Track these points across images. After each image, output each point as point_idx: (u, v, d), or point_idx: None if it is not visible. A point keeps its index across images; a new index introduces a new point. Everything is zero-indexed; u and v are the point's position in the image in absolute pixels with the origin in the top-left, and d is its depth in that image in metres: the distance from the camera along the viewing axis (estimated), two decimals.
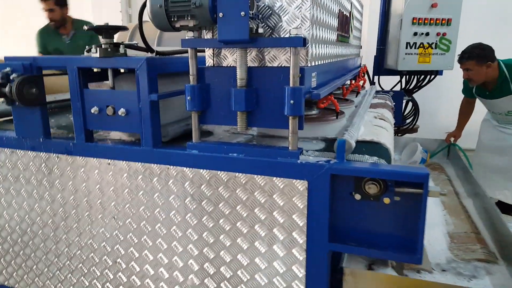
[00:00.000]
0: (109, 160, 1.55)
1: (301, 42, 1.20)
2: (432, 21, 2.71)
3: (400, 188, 1.21)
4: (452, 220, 2.06)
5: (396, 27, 2.83)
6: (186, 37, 1.33)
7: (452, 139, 3.24)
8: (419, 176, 1.17)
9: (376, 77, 3.21)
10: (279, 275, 1.38)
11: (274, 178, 1.31)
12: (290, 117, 1.27)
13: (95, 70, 1.49)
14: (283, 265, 1.37)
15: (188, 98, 1.36)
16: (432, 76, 3.07)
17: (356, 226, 1.32)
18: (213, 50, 1.39)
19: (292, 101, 1.24)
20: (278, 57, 1.31)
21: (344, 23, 1.94)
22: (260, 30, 1.26)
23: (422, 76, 3.10)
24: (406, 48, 2.78)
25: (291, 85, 1.24)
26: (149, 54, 1.57)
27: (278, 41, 1.25)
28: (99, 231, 1.64)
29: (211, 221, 1.44)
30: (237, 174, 1.36)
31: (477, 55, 2.92)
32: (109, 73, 1.52)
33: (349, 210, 1.31)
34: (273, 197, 1.33)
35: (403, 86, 3.23)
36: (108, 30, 1.44)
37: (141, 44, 1.62)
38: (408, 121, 3.29)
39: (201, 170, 1.41)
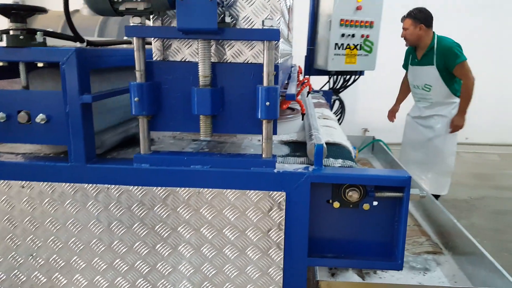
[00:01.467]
0: (23, 182, 1.23)
1: (277, 35, 1.08)
2: (357, 23, 2.85)
3: (380, 193, 1.18)
4: None
5: (325, 28, 2.91)
6: (132, 24, 1.11)
7: (394, 119, 3.50)
8: (401, 180, 1.15)
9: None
10: None
11: (247, 192, 1.17)
12: (264, 121, 1.14)
13: (0, 64, 1.17)
14: None
15: (135, 99, 1.14)
16: (357, 76, 3.24)
17: (334, 236, 1.25)
18: (162, 41, 1.19)
19: (267, 103, 1.11)
20: (244, 52, 1.17)
21: (289, 20, 1.88)
22: (227, 19, 1.11)
23: (348, 76, 3.26)
24: (335, 49, 2.87)
25: (265, 84, 1.12)
26: (78, 45, 1.29)
27: (251, 33, 1.11)
28: (9, 275, 1.30)
29: (168, 248, 1.23)
30: (201, 189, 1.18)
31: (414, 16, 3.23)
32: (21, 68, 1.20)
33: (327, 220, 1.24)
34: (246, 213, 1.19)
35: (330, 86, 3.35)
36: (19, 12, 1.13)
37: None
38: None
39: (155, 188, 1.19)
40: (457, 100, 3.29)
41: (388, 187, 1.18)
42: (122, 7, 1.06)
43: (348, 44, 2.89)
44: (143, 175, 1.19)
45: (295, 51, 2.94)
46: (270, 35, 1.08)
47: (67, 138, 1.18)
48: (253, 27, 1.15)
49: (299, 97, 1.95)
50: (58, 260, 1.27)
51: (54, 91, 1.17)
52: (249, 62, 1.17)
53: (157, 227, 1.22)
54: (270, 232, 1.19)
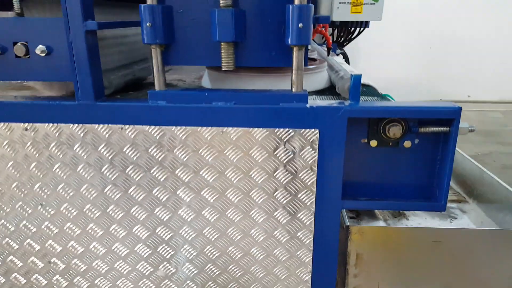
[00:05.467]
0: (26, 124, 1.00)
1: None
2: None
3: (425, 128, 0.97)
4: None
5: None
6: None
7: None
8: (450, 112, 0.93)
9: None
10: (281, 245, 1.06)
11: (276, 130, 0.95)
12: (295, 48, 0.91)
13: None
14: (286, 233, 1.05)
15: (148, 24, 0.89)
16: (362, 28, 2.94)
17: (369, 178, 1.05)
18: None
19: (300, 24, 0.88)
20: None
21: None
22: None
23: (352, 29, 2.95)
24: None
25: (296, 2, 0.87)
26: None
27: None
28: (19, 225, 1.10)
29: (190, 193, 1.03)
30: (225, 129, 0.97)
31: None
32: None
33: (362, 161, 1.03)
34: (275, 153, 0.98)
35: (334, 39, 3.05)
36: None
37: None
38: None
39: (174, 128, 0.97)
40: None
41: (433, 121, 0.97)
42: None
43: None
44: (160, 113, 0.97)
45: None
46: None
47: (73, 72, 0.95)
48: None
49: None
50: (71, 209, 1.07)
51: (54, 18, 0.92)
52: None
53: (178, 170, 1.01)
54: (301, 174, 0.99)
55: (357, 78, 0.95)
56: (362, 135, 1.00)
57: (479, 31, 5.11)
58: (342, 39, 3.02)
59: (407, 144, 0.98)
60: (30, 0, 1.01)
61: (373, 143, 0.99)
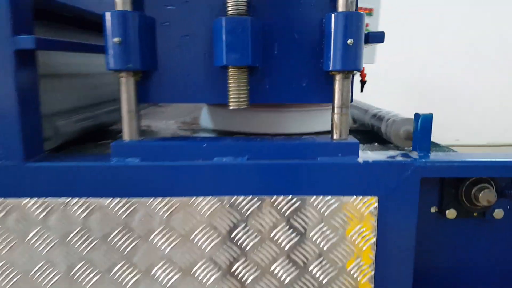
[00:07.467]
0: None
1: None
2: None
3: None
4: None
5: None
6: None
7: None
8: None
9: None
10: None
11: (313, 199, 0.60)
12: (338, 76, 0.58)
13: None
14: None
15: (115, 40, 0.55)
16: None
17: (443, 262, 0.69)
18: None
19: (350, 41, 0.56)
20: None
21: None
22: None
23: None
24: None
25: (341, 9, 0.57)
26: None
27: None
28: None
29: None
30: (233, 198, 0.59)
31: None
32: None
33: (432, 238, 0.68)
34: (310, 237, 0.61)
35: None
36: None
37: None
38: None
39: (151, 200, 0.59)
40: None
41: None
42: None
43: None
44: (130, 178, 0.59)
45: None
46: None
47: None
48: None
49: None
50: None
51: None
52: None
53: (156, 269, 0.61)
54: (351, 267, 0.62)
55: (428, 119, 0.62)
56: (430, 201, 0.66)
57: (468, 76, 5.13)
58: None
59: (499, 214, 0.64)
60: None
61: (451, 213, 0.64)
